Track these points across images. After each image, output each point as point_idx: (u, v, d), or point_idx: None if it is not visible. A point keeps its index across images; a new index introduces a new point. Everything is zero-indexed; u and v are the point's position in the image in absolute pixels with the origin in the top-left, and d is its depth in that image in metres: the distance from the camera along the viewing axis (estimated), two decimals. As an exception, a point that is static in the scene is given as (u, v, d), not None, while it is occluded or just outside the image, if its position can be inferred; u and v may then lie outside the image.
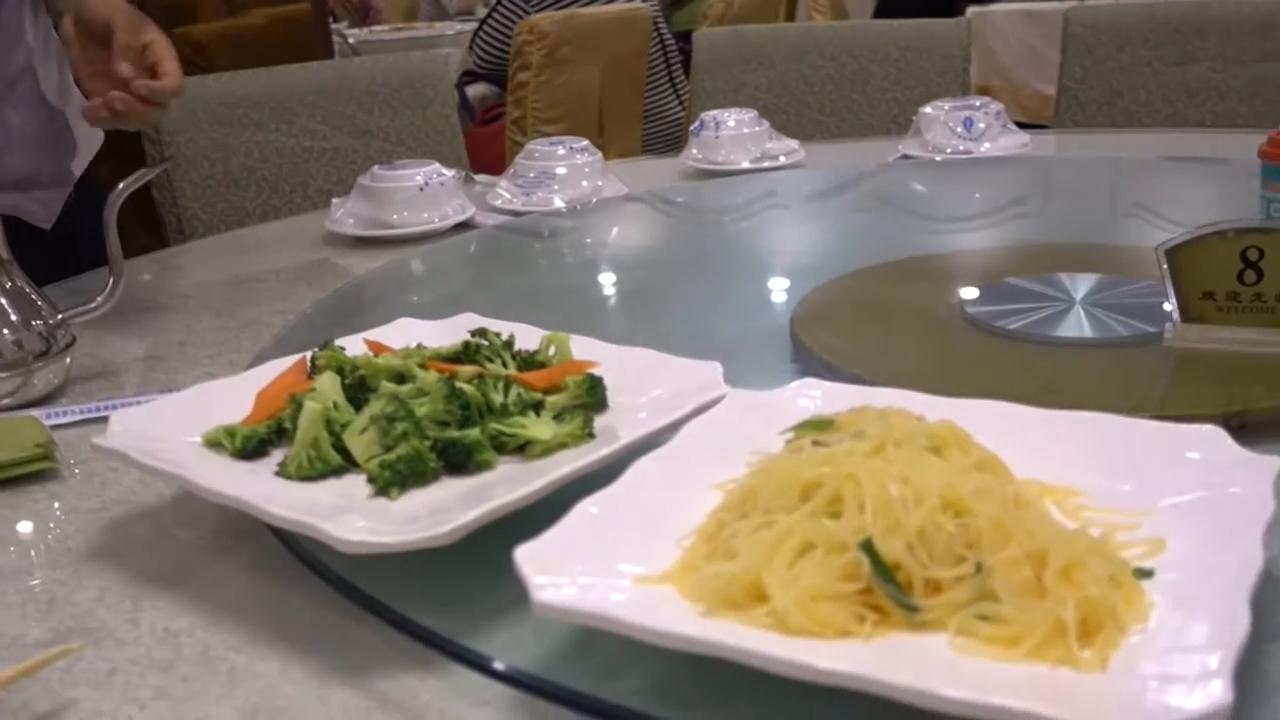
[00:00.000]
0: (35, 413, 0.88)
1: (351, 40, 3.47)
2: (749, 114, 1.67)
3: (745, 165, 1.63)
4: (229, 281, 1.29)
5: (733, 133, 1.64)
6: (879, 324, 0.98)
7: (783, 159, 1.65)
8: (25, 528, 0.74)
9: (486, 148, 2.98)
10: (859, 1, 5.97)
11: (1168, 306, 0.84)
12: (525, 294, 1.17)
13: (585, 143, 1.52)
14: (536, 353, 0.78)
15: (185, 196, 1.69)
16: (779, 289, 1.19)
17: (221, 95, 1.74)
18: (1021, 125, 4.88)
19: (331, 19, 3.51)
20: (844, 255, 1.18)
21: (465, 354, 0.76)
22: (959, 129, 1.63)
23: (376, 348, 0.79)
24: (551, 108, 2.85)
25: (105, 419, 0.71)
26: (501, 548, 0.50)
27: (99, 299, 0.98)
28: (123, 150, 1.62)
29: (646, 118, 3.39)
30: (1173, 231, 0.84)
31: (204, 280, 1.34)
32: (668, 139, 3.53)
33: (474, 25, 4.25)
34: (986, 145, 1.62)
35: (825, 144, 1.91)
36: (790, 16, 5.75)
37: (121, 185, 0.96)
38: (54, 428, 0.86)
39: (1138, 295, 0.93)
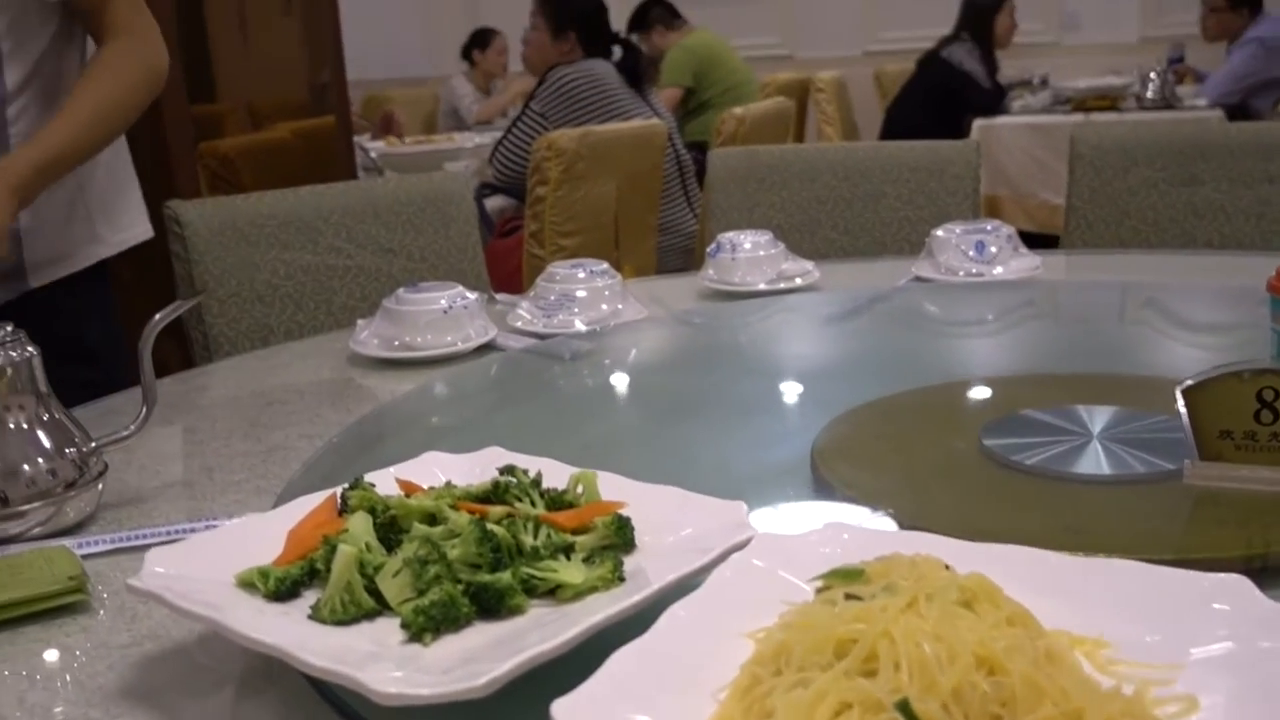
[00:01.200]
0: (67, 542, 0.89)
1: (374, 154, 3.55)
2: (765, 236, 1.70)
3: (761, 286, 1.66)
4: (255, 403, 1.30)
5: (749, 255, 1.67)
6: (898, 457, 0.99)
7: (798, 280, 1.67)
8: (55, 662, 0.74)
9: (505, 260, 3.03)
10: (866, 111, 6.09)
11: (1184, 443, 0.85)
12: (547, 419, 1.18)
13: (605, 266, 1.54)
14: (564, 491, 0.79)
15: (211, 313, 1.72)
16: (798, 417, 1.21)
17: (249, 214, 1.78)
18: (1031, 236, 4.94)
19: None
20: (861, 381, 1.19)
21: (495, 493, 0.77)
22: (971, 252, 1.66)
23: (408, 487, 0.80)
24: (569, 221, 2.90)
25: (137, 549, 0.72)
26: (533, 693, 0.51)
27: (131, 426, 1.00)
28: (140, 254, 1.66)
29: (661, 230, 3.44)
30: (1185, 358, 0.86)
31: (231, 400, 1.36)
32: (682, 251, 3.59)
33: (492, 136, 4.36)
34: (999, 269, 1.64)
35: (839, 263, 1.94)
36: (800, 128, 5.86)
37: (158, 317, 0.98)
38: (85, 557, 0.87)
39: (1154, 430, 0.95)
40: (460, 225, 1.99)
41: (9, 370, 0.93)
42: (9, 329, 0.95)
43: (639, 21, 5.70)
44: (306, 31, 3.44)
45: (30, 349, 0.95)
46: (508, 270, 2.99)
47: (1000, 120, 5.11)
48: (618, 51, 3.68)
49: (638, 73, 3.63)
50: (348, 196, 1.90)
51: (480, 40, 6.11)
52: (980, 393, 1.18)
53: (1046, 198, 5.03)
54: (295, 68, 3.47)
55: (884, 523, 0.82)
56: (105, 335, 1.63)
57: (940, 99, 5.23)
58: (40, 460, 0.92)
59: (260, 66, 3.38)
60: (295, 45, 3.47)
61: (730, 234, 1.71)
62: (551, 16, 3.53)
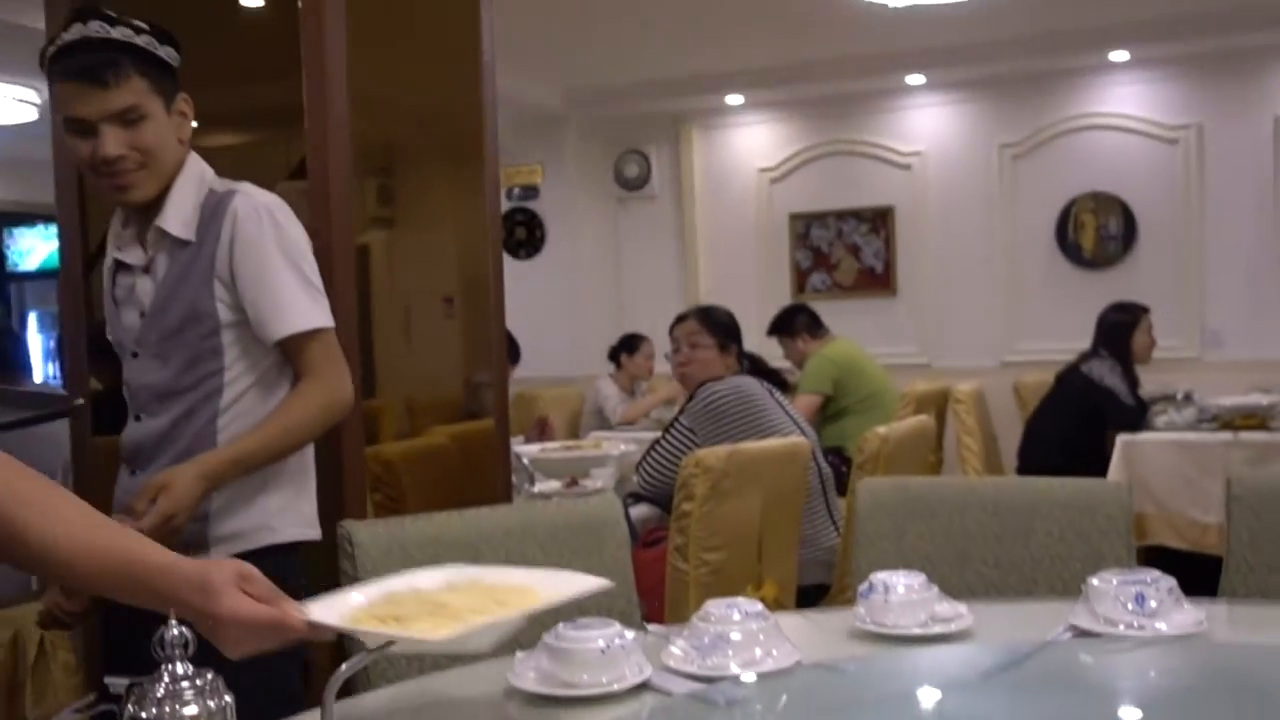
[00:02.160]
0: None
1: (526, 460, 3.67)
2: (918, 578, 1.71)
3: (914, 631, 1.65)
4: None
5: (902, 598, 1.68)
6: None
7: (951, 625, 1.67)
8: None
9: (648, 571, 3.06)
10: (1005, 421, 6.10)
11: None
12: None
13: (759, 607, 1.57)
14: None
15: (373, 633, 1.78)
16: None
17: (416, 536, 1.87)
18: (1183, 556, 4.77)
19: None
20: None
21: None
22: (1130, 604, 1.64)
23: None
24: (713, 536, 2.94)
25: None
26: None
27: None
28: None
29: (803, 543, 3.46)
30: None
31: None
32: (823, 564, 3.58)
33: (635, 439, 4.48)
34: (1160, 624, 1.61)
35: (991, 604, 1.93)
36: (939, 438, 5.89)
37: (344, 668, 1.04)
38: None
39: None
40: (613, 550, 2.04)
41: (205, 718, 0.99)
42: (209, 677, 1.02)
43: (783, 327, 5.90)
44: (467, 333, 3.64)
45: (226, 698, 1.01)
46: (650, 582, 3.01)
47: (1144, 436, 5.05)
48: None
49: (779, 382, 3.76)
50: (508, 519, 1.98)
51: (629, 345, 6.37)
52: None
53: (1196, 516, 4.89)
54: (454, 367, 3.65)
55: None
56: None
57: (1082, 414, 5.22)
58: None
59: (420, 365, 3.57)
60: (456, 346, 3.67)
61: (883, 574, 1.72)
62: (718, 333, 3.73)
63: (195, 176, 2.03)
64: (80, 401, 2.36)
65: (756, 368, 3.92)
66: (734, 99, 7.69)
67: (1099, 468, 4.93)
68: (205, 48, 3.18)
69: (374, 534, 1.83)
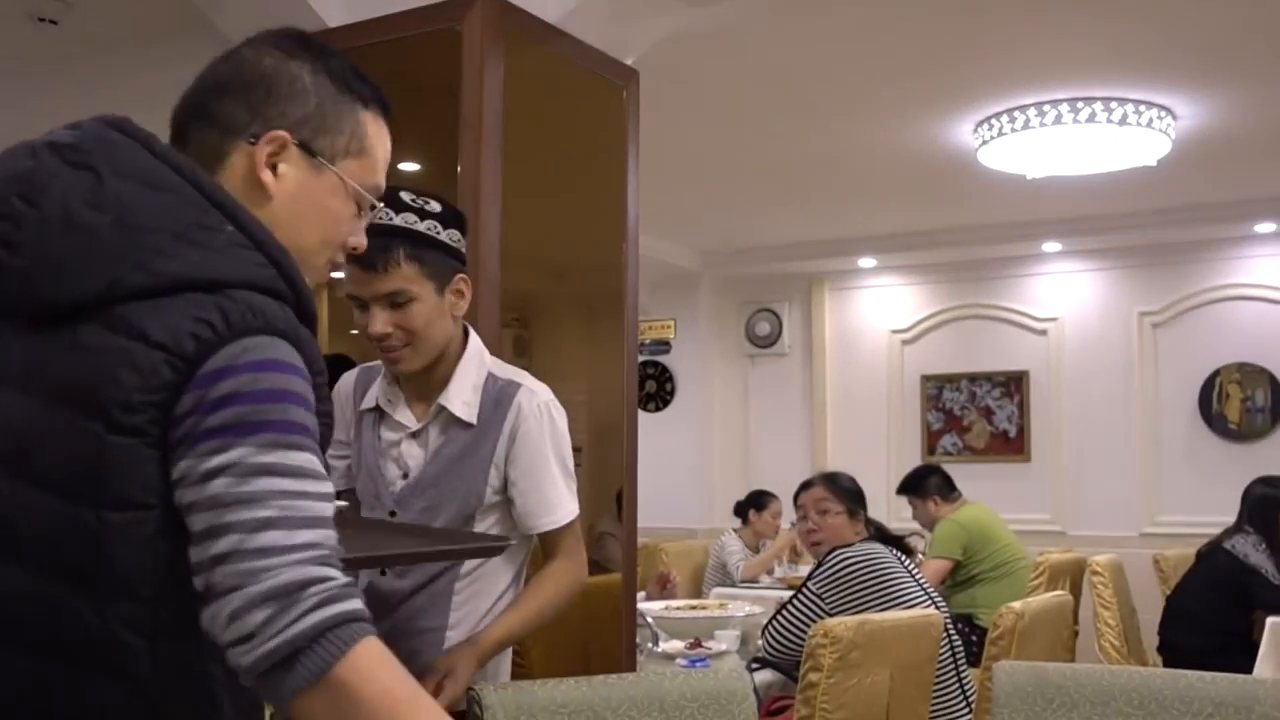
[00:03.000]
0: None
1: (650, 618, 3.65)
2: (1060, 776, 1.65)
3: (1057, 832, 1.58)
4: None
5: (1044, 797, 1.61)
6: None
7: (1097, 829, 1.59)
8: None
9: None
10: (1145, 595, 5.85)
11: None
12: None
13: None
14: None
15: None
16: None
17: (545, 701, 1.87)
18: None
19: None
20: None
21: None
22: (1292, 819, 1.55)
23: None
24: (839, 709, 2.86)
25: None
26: None
27: None
28: None
29: (933, 719, 3.34)
30: None
31: None
32: (954, 742, 3.45)
33: (758, 596, 4.42)
34: (1325, 842, 1.52)
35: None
36: (1075, 610, 5.67)
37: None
38: None
39: None
40: (741, 722, 2.01)
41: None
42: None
43: (914, 487, 5.81)
44: (594, 483, 3.66)
45: None
46: (773, 753, 2.94)
47: (1298, 620, 4.80)
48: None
49: (904, 549, 3.69)
50: (635, 689, 1.97)
51: (758, 502, 6.34)
52: None
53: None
54: (580, 517, 3.68)
55: None
56: None
57: (1227, 593, 4.99)
58: None
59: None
60: (582, 496, 3.70)
61: (1023, 770, 1.66)
62: (846, 499, 3.71)
63: (475, 358, 2.15)
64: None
65: (882, 534, 3.87)
66: (867, 262, 7.75)
67: (1245, 649, 4.69)
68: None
69: (504, 699, 1.84)
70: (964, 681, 3.57)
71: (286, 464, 1.13)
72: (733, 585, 5.83)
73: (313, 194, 1.33)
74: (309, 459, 1.15)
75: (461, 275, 2.08)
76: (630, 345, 3.38)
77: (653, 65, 3.42)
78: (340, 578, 1.12)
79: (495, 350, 3.00)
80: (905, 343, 7.79)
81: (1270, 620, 4.77)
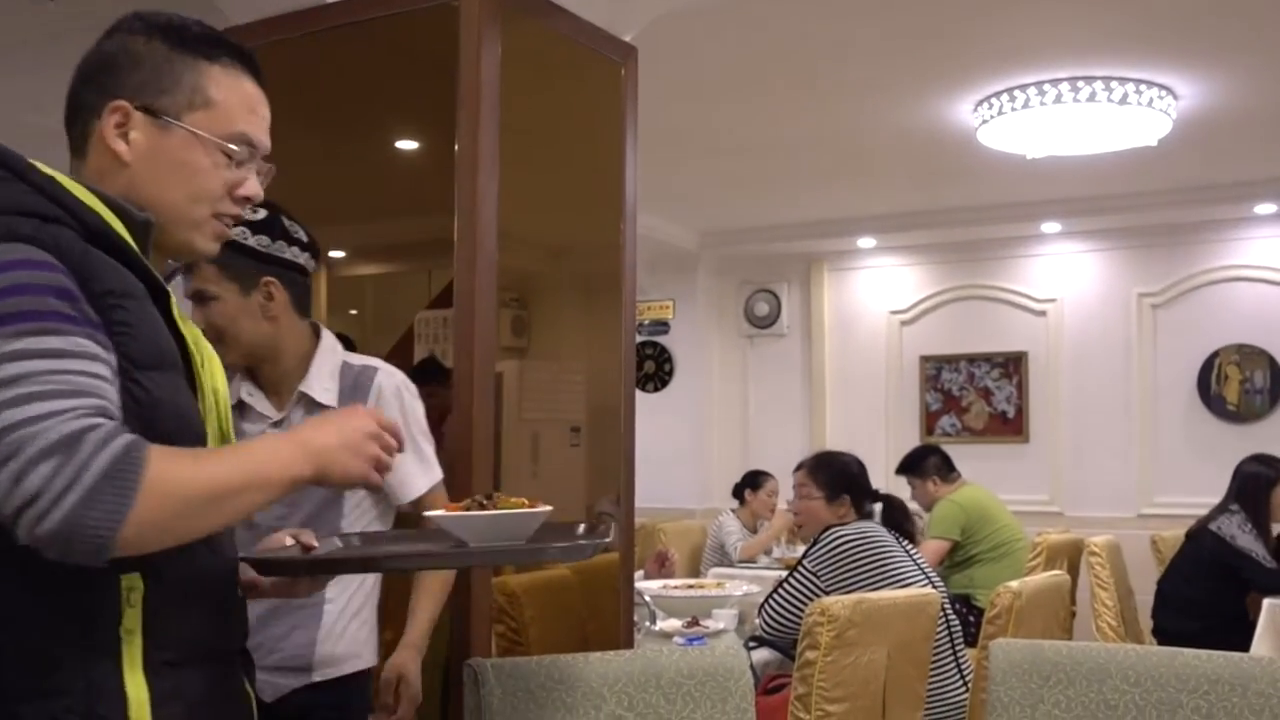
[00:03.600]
0: None
1: (648, 597, 3.66)
2: (1056, 752, 1.65)
3: (1052, 808, 1.59)
4: None
5: (1040, 773, 1.61)
6: None
7: (1092, 805, 1.60)
8: None
9: (770, 717, 3.00)
10: (1143, 575, 5.85)
11: None
12: None
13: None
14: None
15: (495, 774, 1.77)
16: None
17: (541, 677, 1.87)
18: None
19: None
20: None
21: None
22: (1287, 795, 1.55)
23: None
24: (836, 687, 2.87)
25: None
26: None
27: None
28: None
29: (929, 698, 3.35)
30: None
31: None
32: (951, 720, 3.46)
33: (756, 576, 4.42)
34: (1320, 818, 1.52)
35: (1133, 782, 1.84)
36: (1073, 590, 5.68)
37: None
38: None
39: None
40: (736, 700, 2.01)
41: None
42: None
43: (913, 467, 5.81)
44: (591, 462, 3.67)
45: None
46: (770, 731, 2.95)
47: (1294, 596, 4.80)
48: (878, 508, 3.80)
49: (906, 530, 3.70)
50: (632, 665, 1.97)
51: (753, 481, 6.34)
52: None
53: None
54: (578, 496, 3.68)
55: None
56: None
57: (1216, 575, 4.98)
58: None
59: (545, 493, 3.61)
60: (580, 475, 3.70)
61: (1019, 746, 1.66)
62: (825, 485, 3.70)
63: (330, 350, 2.32)
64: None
65: (891, 507, 3.86)
66: (866, 242, 7.73)
67: (1241, 631, 4.69)
68: (360, 184, 3.35)
69: (500, 675, 1.84)
70: (960, 660, 3.58)
71: (40, 347, 1.20)
72: (731, 565, 5.84)
73: (166, 152, 1.41)
74: (70, 341, 1.22)
75: (269, 278, 2.22)
76: (628, 325, 3.37)
77: (651, 42, 3.40)
78: (108, 423, 1.20)
79: (494, 330, 3.00)
80: (904, 323, 7.78)
81: (1267, 601, 4.77)
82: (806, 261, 7.99)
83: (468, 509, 1.56)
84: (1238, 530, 4.96)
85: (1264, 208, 6.68)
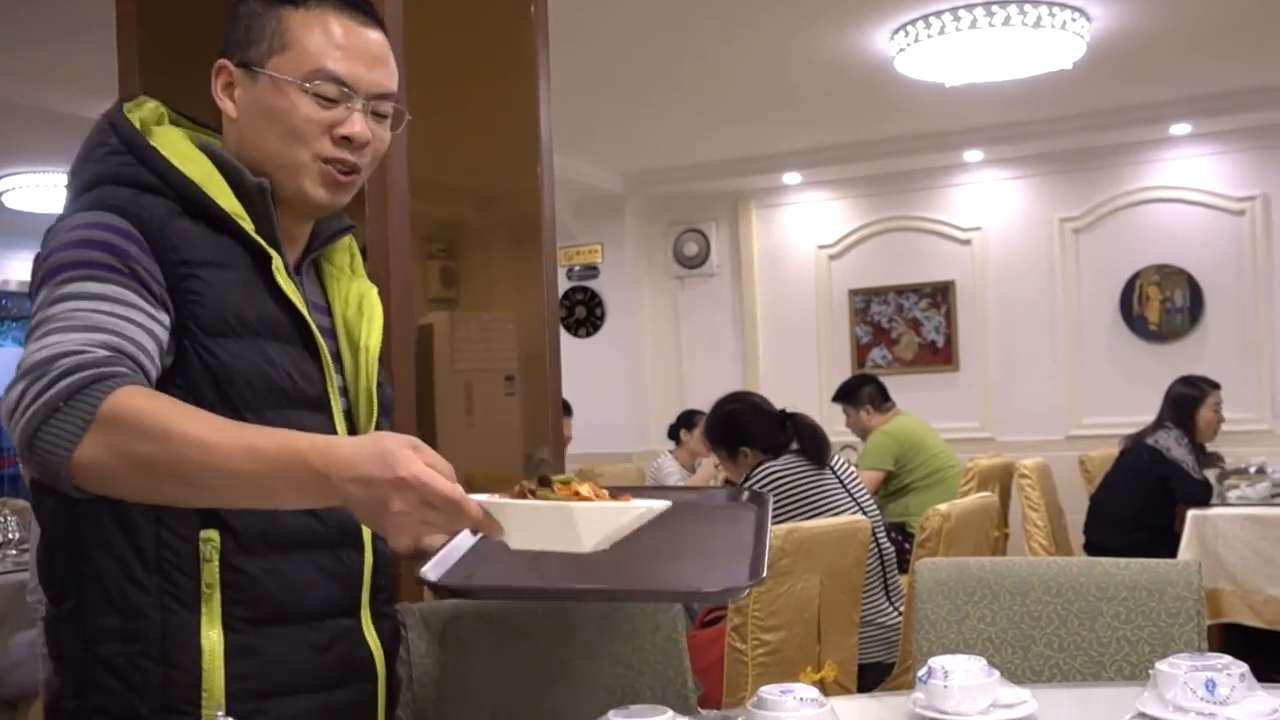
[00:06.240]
0: None
1: (581, 539, 3.66)
2: (978, 663, 1.67)
3: (974, 717, 1.61)
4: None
5: (962, 684, 1.64)
6: None
7: (1014, 712, 1.63)
8: None
9: (705, 651, 3.03)
10: (1072, 496, 5.98)
11: None
12: None
13: (814, 693, 1.54)
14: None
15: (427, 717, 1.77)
16: None
17: (471, 610, 1.86)
18: (1260, 632, 4.61)
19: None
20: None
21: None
22: (1200, 691, 1.59)
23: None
24: (771, 616, 2.90)
25: None
26: None
27: None
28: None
29: (863, 623, 3.40)
30: None
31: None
32: (883, 643, 3.52)
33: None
34: (1231, 710, 1.56)
35: (1056, 688, 1.88)
36: (1004, 513, 5.79)
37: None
38: None
39: None
40: (667, 631, 2.02)
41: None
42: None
43: (848, 396, 5.87)
44: (526, 410, 3.66)
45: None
46: (707, 662, 2.97)
47: (1216, 511, 4.93)
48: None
49: (823, 453, 3.61)
50: (563, 602, 1.96)
51: (688, 421, 6.36)
52: None
53: (1274, 593, 4.75)
54: (514, 444, 3.67)
55: None
56: None
57: (1149, 488, 5.11)
58: None
59: (481, 442, 3.59)
60: (516, 423, 3.69)
61: (943, 659, 1.68)
62: (723, 444, 3.70)
63: None
64: None
65: (801, 426, 3.71)
66: (791, 177, 7.73)
67: (1169, 544, 4.81)
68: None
69: (426, 616, 1.83)
70: (890, 587, 3.63)
71: (76, 290, 1.27)
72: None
73: (258, 101, 1.45)
74: (107, 288, 1.28)
75: None
76: (549, 270, 3.35)
77: (561, -23, 3.35)
78: (101, 353, 1.23)
79: (422, 284, 2.94)
80: (832, 258, 7.82)
81: (1192, 513, 4.90)
82: (733, 200, 7.99)
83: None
84: (1174, 444, 5.10)
85: (1179, 128, 6.76)
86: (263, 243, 1.43)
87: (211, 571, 1.36)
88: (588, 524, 1.24)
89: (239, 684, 1.35)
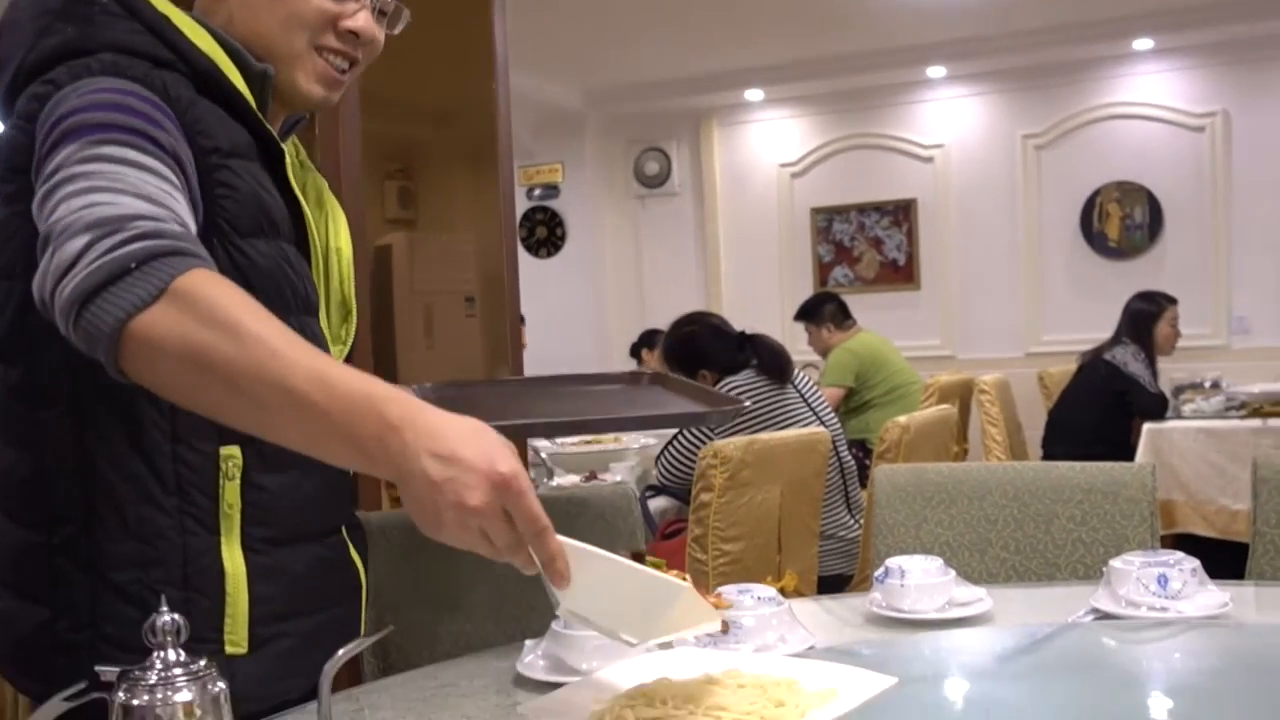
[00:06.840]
0: None
1: (544, 454, 3.66)
2: (934, 563, 1.68)
3: (931, 615, 1.62)
4: (423, 726, 1.32)
5: (918, 583, 1.65)
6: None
7: (969, 609, 1.64)
8: None
9: (667, 561, 3.04)
10: (1031, 411, 6.04)
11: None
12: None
13: (772, 592, 1.54)
14: None
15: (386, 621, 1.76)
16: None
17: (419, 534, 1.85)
18: (1212, 543, 4.70)
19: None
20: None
21: None
22: (1152, 586, 1.60)
23: None
24: (732, 527, 2.91)
25: None
26: None
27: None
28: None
29: (823, 535, 3.43)
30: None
31: (398, 721, 1.37)
32: (843, 555, 3.55)
33: (655, 431, 4.44)
34: (1183, 604, 1.58)
35: (1012, 588, 1.89)
36: (964, 429, 5.84)
37: (341, 652, 1.02)
38: None
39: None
40: (625, 538, 2.02)
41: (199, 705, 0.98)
42: (202, 664, 1.00)
43: (810, 314, 5.87)
44: (486, 331, 3.64)
45: (220, 684, 1.00)
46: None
47: (1171, 424, 5.01)
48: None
49: (784, 371, 3.60)
50: (520, 509, 1.95)
51: (649, 341, 6.37)
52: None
53: (1225, 503, 4.85)
54: (475, 365, 3.65)
55: None
56: None
57: (1105, 402, 5.18)
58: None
59: (442, 363, 3.57)
60: (476, 344, 3.67)
61: (899, 559, 1.69)
62: (682, 368, 3.64)
63: None
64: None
65: (771, 359, 3.74)
66: (754, 95, 7.66)
67: (1125, 457, 4.88)
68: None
69: (384, 526, 1.82)
70: (852, 499, 3.65)
71: (124, 156, 1.12)
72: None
73: None
74: (153, 161, 1.14)
75: None
76: (506, 189, 3.30)
77: (515, -117, 3.26)
78: (176, 227, 1.10)
79: (380, 204, 2.89)
80: (794, 176, 7.78)
81: (1147, 426, 4.97)
82: (695, 118, 7.91)
83: None
84: (1131, 359, 5.16)
85: (1141, 43, 6.74)
86: (274, 132, 1.33)
87: (233, 490, 1.27)
88: (685, 611, 1.04)
89: (261, 607, 1.29)
